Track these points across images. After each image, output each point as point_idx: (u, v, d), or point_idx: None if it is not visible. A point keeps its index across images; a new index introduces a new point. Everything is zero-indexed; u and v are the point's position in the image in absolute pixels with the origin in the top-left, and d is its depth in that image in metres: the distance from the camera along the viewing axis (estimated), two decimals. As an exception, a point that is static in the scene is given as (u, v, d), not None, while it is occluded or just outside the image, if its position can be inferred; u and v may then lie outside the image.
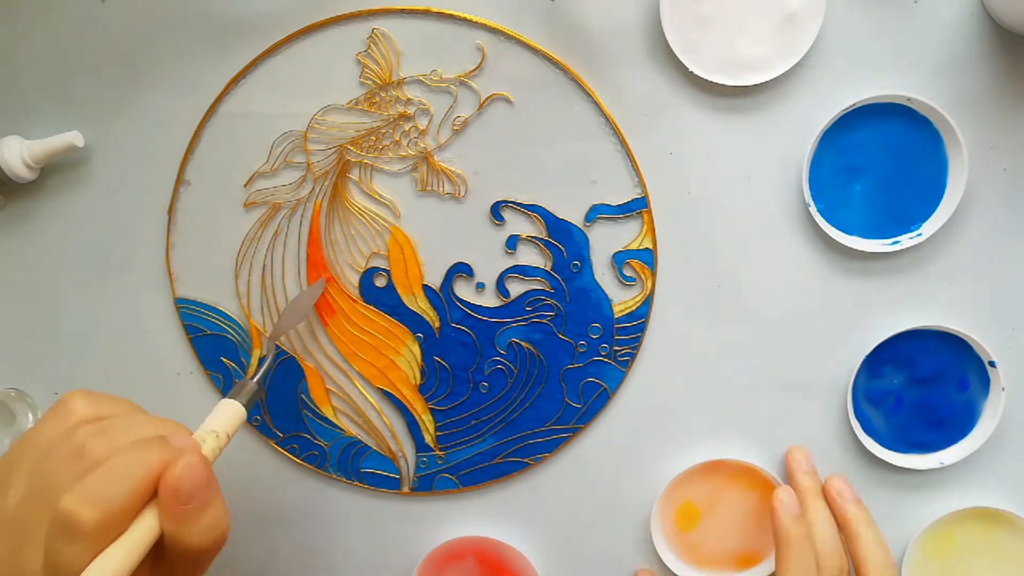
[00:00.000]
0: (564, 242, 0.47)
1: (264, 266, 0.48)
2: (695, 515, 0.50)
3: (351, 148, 0.46)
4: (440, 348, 0.48)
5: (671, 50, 0.44)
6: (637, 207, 0.46)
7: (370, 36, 0.45)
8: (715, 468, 0.49)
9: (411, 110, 0.46)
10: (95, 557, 0.30)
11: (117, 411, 0.35)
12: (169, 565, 0.33)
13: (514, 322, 0.48)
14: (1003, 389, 0.47)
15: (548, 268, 0.47)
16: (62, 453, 0.32)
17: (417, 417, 0.49)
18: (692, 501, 0.49)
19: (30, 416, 0.49)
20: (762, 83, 0.44)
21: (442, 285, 0.48)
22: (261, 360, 0.45)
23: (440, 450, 0.49)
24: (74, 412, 0.34)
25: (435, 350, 0.48)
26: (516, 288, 0.48)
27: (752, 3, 0.43)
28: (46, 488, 0.31)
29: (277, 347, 0.48)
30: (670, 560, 0.49)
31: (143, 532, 0.31)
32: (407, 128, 0.46)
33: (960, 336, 0.47)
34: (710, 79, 0.44)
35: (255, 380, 0.40)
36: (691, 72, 0.44)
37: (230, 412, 0.38)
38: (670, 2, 0.43)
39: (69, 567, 0.29)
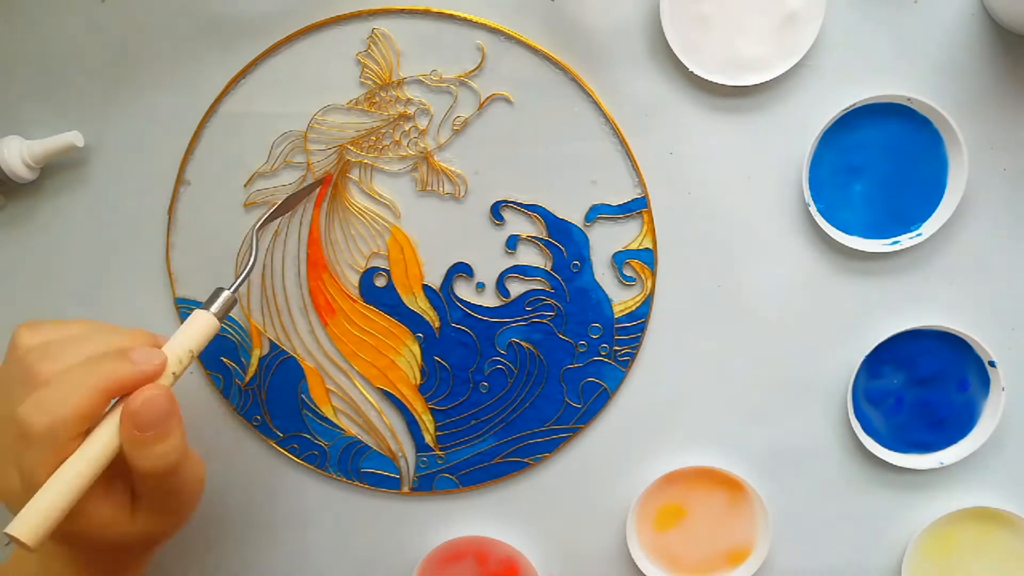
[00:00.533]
0: (564, 242, 0.47)
1: (264, 266, 0.48)
2: (673, 519, 0.49)
3: (351, 148, 0.46)
4: (440, 348, 0.48)
5: (671, 50, 0.44)
6: (637, 207, 0.46)
7: (370, 36, 0.45)
8: (679, 478, 0.48)
9: (411, 110, 0.46)
10: (52, 464, 0.32)
11: (68, 334, 0.36)
12: (139, 496, 0.36)
13: (514, 322, 0.48)
14: (1003, 389, 0.47)
15: (548, 268, 0.47)
16: (16, 381, 0.34)
17: (417, 417, 0.49)
18: (674, 502, 0.49)
19: (30, 416, 0.49)
20: (762, 83, 0.44)
21: (442, 285, 0.48)
22: (244, 265, 0.43)
23: (440, 450, 0.49)
24: (20, 345, 0.36)
25: (435, 350, 0.48)
26: (516, 288, 0.48)
27: (752, 3, 0.43)
28: (6, 413, 0.34)
29: (276, 346, 0.48)
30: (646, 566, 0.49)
31: (100, 444, 0.33)
32: (407, 128, 0.46)
33: (960, 336, 0.47)
34: (710, 79, 0.44)
35: (231, 290, 0.40)
36: (691, 72, 0.44)
37: (203, 327, 0.38)
38: (670, 2, 0.43)
39: (32, 473, 0.32)
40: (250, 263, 0.42)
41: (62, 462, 0.32)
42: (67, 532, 0.33)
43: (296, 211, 0.47)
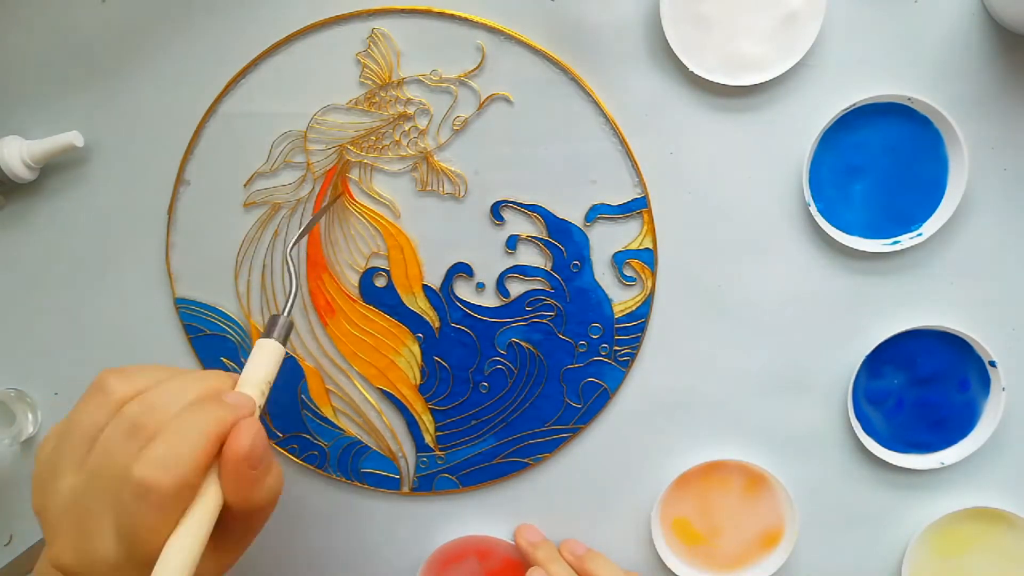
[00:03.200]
0: (564, 242, 0.47)
1: (264, 266, 0.48)
2: (691, 529, 0.50)
3: (351, 148, 0.46)
4: (440, 348, 0.48)
5: (671, 50, 0.44)
6: (637, 207, 0.46)
7: (370, 36, 0.45)
8: (707, 471, 0.49)
9: (411, 110, 0.46)
10: (171, 525, 0.30)
11: (153, 380, 0.34)
12: (225, 532, 0.33)
13: (514, 322, 0.48)
14: (1003, 389, 0.47)
15: (548, 268, 0.47)
16: (115, 435, 0.31)
17: (417, 417, 0.49)
18: (685, 517, 0.50)
19: (29, 416, 0.49)
20: (762, 83, 0.44)
21: (442, 285, 0.48)
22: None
23: (440, 450, 0.49)
24: (112, 393, 0.33)
25: (435, 350, 0.48)
26: (516, 288, 0.48)
27: (752, 3, 0.43)
28: (106, 470, 0.31)
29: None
30: (672, 562, 0.49)
31: (210, 504, 0.31)
32: (407, 128, 0.46)
33: (960, 336, 0.47)
34: (710, 79, 0.44)
35: (287, 315, 0.38)
36: (691, 72, 0.44)
37: (273, 354, 0.37)
38: (670, 2, 0.43)
39: (149, 535, 0.29)
40: (293, 285, 0.41)
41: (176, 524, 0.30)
42: None
43: (296, 211, 0.47)
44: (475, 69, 0.45)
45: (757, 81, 0.44)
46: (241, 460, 0.32)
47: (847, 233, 0.46)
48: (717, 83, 0.44)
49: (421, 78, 0.45)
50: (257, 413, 0.35)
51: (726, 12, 0.44)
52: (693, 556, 0.50)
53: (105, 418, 0.32)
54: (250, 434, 0.32)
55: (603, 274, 0.47)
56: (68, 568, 0.32)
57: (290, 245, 0.43)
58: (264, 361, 0.37)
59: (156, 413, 0.32)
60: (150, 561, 0.29)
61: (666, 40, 0.44)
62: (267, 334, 0.38)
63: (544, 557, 0.48)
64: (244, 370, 0.36)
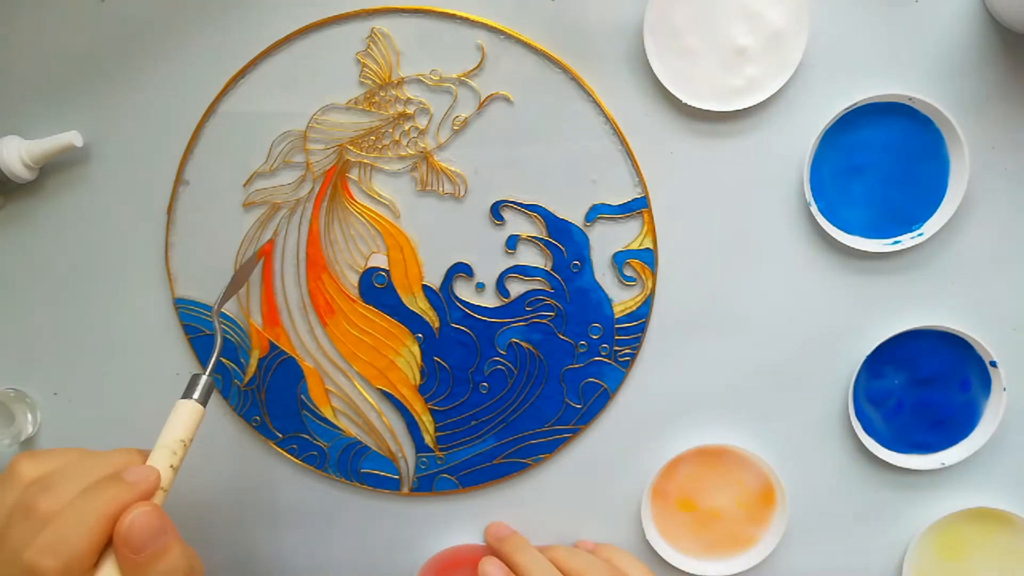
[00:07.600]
0: (564, 242, 0.47)
1: (264, 266, 0.48)
2: (688, 501, 0.49)
3: (351, 148, 0.46)
4: (440, 348, 0.48)
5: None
6: (637, 207, 0.46)
7: (370, 35, 0.45)
8: (704, 457, 0.49)
9: (411, 109, 0.46)
10: None
11: (64, 463, 0.36)
12: None
13: (514, 322, 0.48)
14: (1004, 389, 0.47)
15: (548, 268, 0.47)
16: (14, 518, 0.33)
17: (417, 417, 0.49)
18: (681, 492, 0.49)
19: (29, 416, 0.49)
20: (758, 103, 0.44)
21: (442, 285, 0.47)
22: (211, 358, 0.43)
23: (440, 451, 0.49)
24: (20, 476, 0.35)
25: (435, 350, 0.48)
26: (516, 288, 0.47)
27: (735, 29, 0.43)
28: (6, 552, 0.33)
29: (275, 347, 0.48)
30: (663, 548, 0.49)
31: None
32: (407, 128, 0.46)
33: (961, 336, 0.47)
34: (704, 107, 0.44)
35: (208, 374, 0.40)
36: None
37: (191, 415, 0.39)
38: (654, 38, 0.43)
39: None
40: (218, 345, 0.43)
41: None
42: None
43: (295, 211, 0.47)
44: (475, 69, 0.45)
45: (751, 104, 0.44)
46: (121, 544, 0.32)
47: (848, 233, 0.46)
48: (711, 111, 0.44)
49: (421, 78, 0.45)
50: (167, 480, 0.36)
51: (710, 41, 0.43)
52: (689, 543, 0.50)
53: (12, 501, 0.34)
54: (132, 517, 0.33)
55: (603, 274, 0.47)
56: None
57: (217, 304, 0.45)
58: (180, 421, 0.38)
59: (55, 495, 0.33)
60: None
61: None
62: (186, 394, 0.39)
63: (511, 547, 0.46)
64: (161, 433, 0.38)
